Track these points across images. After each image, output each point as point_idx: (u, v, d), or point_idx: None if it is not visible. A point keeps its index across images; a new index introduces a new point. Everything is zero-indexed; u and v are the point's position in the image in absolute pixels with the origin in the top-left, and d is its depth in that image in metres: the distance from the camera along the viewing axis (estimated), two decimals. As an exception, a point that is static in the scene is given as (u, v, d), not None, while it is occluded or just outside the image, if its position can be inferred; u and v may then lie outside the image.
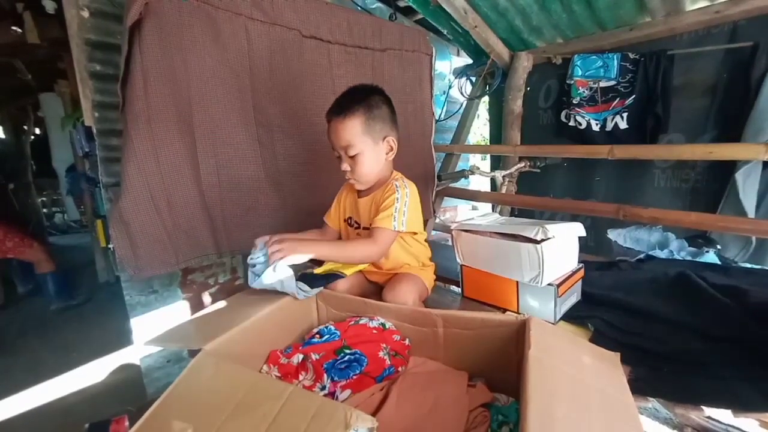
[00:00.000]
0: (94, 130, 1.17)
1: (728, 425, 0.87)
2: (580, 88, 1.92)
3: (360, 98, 1.03)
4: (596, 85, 1.87)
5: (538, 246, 0.94)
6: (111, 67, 1.14)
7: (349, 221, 1.17)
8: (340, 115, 1.01)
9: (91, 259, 2.92)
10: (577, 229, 1.08)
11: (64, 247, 3.91)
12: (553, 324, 0.98)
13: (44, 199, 4.77)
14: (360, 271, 1.14)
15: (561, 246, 1.01)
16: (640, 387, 0.77)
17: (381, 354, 0.83)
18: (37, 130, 4.56)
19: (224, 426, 0.52)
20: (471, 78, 2.50)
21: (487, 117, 2.75)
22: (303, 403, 0.53)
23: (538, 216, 2.22)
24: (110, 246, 1.11)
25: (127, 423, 0.93)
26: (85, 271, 2.97)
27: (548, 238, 0.95)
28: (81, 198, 3.27)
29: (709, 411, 0.78)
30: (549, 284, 0.98)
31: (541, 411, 0.52)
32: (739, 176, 1.52)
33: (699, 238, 1.52)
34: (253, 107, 1.31)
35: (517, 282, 1.04)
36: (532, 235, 0.95)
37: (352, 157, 1.03)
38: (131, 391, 1.46)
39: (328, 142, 1.07)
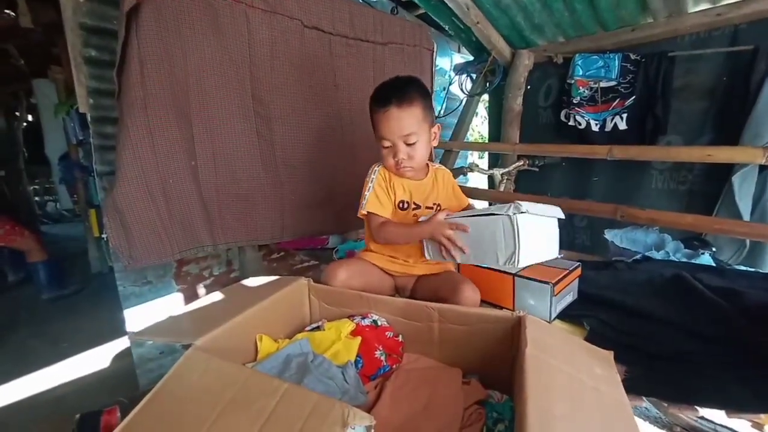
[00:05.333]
0: (89, 118, 1.14)
1: (718, 425, 0.88)
2: (581, 87, 1.91)
3: (416, 85, 1.03)
4: (597, 85, 1.86)
5: (513, 216, 0.87)
6: (107, 53, 1.11)
7: (402, 205, 1.11)
8: (404, 103, 0.99)
9: (84, 248, 2.88)
10: (555, 211, 0.99)
11: (56, 236, 3.86)
12: (548, 322, 0.98)
13: (36, 187, 4.70)
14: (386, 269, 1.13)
15: (538, 224, 0.94)
16: (634, 386, 0.77)
17: (377, 354, 0.83)
18: (30, 117, 4.48)
19: (218, 422, 0.51)
20: (471, 75, 2.48)
21: (485, 115, 2.75)
22: (299, 399, 0.52)
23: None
24: (104, 236, 1.09)
25: (118, 414, 0.92)
26: (77, 260, 2.93)
27: (522, 212, 0.88)
28: (74, 187, 3.22)
29: (703, 411, 0.79)
30: (545, 282, 0.98)
31: (539, 409, 0.52)
32: (735, 179, 1.53)
33: (694, 240, 1.53)
34: (252, 97, 1.29)
35: (513, 279, 1.04)
36: (504, 212, 0.89)
37: (411, 145, 1.03)
38: (123, 382, 1.45)
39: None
